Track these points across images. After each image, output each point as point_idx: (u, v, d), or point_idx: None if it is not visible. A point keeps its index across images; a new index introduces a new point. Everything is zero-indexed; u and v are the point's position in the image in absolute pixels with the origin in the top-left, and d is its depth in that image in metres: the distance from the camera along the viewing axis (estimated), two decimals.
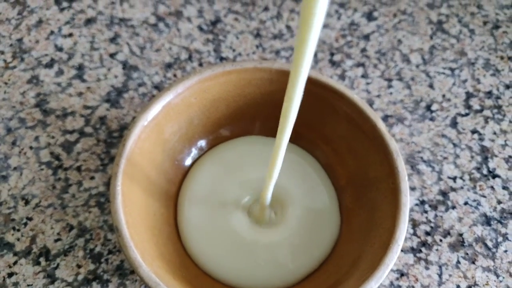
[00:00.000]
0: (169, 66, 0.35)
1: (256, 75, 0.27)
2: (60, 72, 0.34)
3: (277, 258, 0.26)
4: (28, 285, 0.27)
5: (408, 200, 0.23)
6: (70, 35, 0.36)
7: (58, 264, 0.27)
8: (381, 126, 0.26)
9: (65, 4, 0.37)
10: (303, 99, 0.28)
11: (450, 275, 0.28)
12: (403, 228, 0.23)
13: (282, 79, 0.27)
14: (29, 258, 0.28)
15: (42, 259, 0.28)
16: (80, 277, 0.27)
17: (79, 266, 0.27)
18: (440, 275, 0.28)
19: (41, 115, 0.32)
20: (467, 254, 0.29)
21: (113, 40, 0.36)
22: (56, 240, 0.28)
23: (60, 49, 0.35)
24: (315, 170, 0.29)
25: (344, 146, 0.28)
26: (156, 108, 0.25)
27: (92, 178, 0.30)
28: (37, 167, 0.30)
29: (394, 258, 0.22)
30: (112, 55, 0.35)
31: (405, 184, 0.24)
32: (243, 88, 0.28)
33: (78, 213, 0.29)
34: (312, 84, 0.27)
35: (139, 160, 0.25)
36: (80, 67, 0.35)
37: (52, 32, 0.36)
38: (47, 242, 0.28)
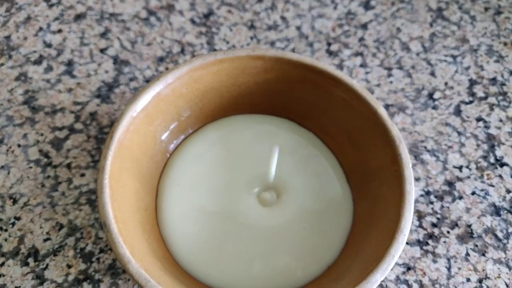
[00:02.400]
0: (161, 59, 0.34)
1: (250, 64, 0.26)
2: (49, 69, 0.33)
3: (279, 264, 0.25)
4: (16, 287, 0.25)
5: (413, 188, 0.22)
6: (59, 31, 0.35)
7: (47, 265, 0.26)
8: (382, 112, 0.24)
9: (54, 0, 0.36)
10: (299, 87, 0.27)
11: (459, 268, 0.27)
12: (409, 217, 0.21)
13: (277, 67, 0.26)
14: (17, 259, 0.26)
15: (30, 260, 0.26)
16: (70, 278, 0.26)
17: (69, 266, 0.26)
18: (449, 268, 0.27)
19: (29, 112, 0.31)
20: (476, 246, 0.28)
21: (103, 35, 0.35)
22: (45, 240, 0.27)
23: (49, 45, 0.34)
24: (324, 155, 0.28)
25: (343, 135, 0.27)
26: (145, 99, 0.24)
27: (82, 175, 0.29)
28: (25, 165, 0.29)
29: (400, 248, 0.21)
30: (102, 50, 0.34)
31: (409, 171, 0.23)
32: (237, 77, 0.27)
33: (68, 212, 0.28)
34: (308, 71, 0.26)
35: (129, 153, 0.24)
36: (70, 63, 0.33)
37: (40, 29, 0.35)
38: (36, 242, 0.27)
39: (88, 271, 0.26)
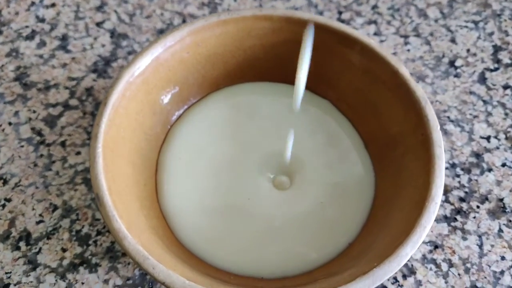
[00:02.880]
0: (161, 32, 0.32)
1: (256, 25, 0.24)
2: (42, 44, 0.31)
3: (294, 244, 0.22)
4: (6, 273, 0.23)
5: (442, 153, 0.20)
6: (53, 5, 0.33)
7: (40, 249, 0.24)
8: (404, 71, 0.22)
9: None
10: (312, 53, 0.25)
11: (492, 246, 0.24)
12: (440, 184, 0.19)
13: (286, 27, 0.24)
14: (7, 243, 0.24)
15: (22, 244, 0.24)
16: (65, 262, 0.24)
17: (64, 250, 0.24)
18: (480, 246, 0.24)
19: (21, 89, 0.29)
20: (510, 221, 0.25)
21: (99, 8, 0.33)
22: (38, 222, 0.25)
23: (42, 20, 0.32)
24: (341, 125, 0.25)
25: (361, 102, 0.24)
26: (142, 63, 0.22)
27: (78, 153, 0.27)
28: (16, 144, 0.27)
29: (432, 218, 0.18)
30: (98, 24, 0.32)
31: (437, 134, 0.20)
32: (242, 40, 0.24)
33: (62, 192, 0.26)
34: (320, 31, 0.23)
35: (125, 122, 0.21)
36: (64, 38, 0.31)
37: (33, 3, 0.33)
38: (28, 224, 0.25)
39: (85, 255, 0.24)
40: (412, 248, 0.18)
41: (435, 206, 0.18)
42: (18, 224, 0.25)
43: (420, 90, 0.21)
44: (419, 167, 0.20)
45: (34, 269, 0.24)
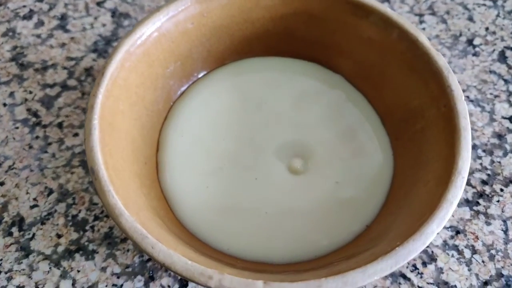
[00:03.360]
0: None
1: None
2: (40, 23, 0.30)
3: (306, 228, 0.20)
4: None
5: (468, 124, 0.18)
6: None
7: (33, 234, 0.23)
8: (424, 40, 0.20)
9: None
10: (323, 24, 0.23)
11: None
12: (466, 157, 0.17)
13: None
14: None
15: (14, 229, 0.23)
16: (60, 249, 0.22)
17: (59, 236, 0.22)
18: (505, 232, 0.23)
19: (17, 69, 0.28)
20: None
21: None
22: (32, 207, 0.23)
23: None
24: (356, 101, 0.24)
25: (376, 75, 0.23)
26: (143, 31, 0.20)
27: (75, 135, 0.25)
28: (11, 125, 0.26)
29: (459, 193, 0.17)
30: (99, 3, 0.31)
31: (462, 104, 0.18)
32: (250, 12, 0.23)
33: (58, 175, 0.24)
34: (334, 1, 0.22)
35: (124, 94, 0.20)
36: (63, 17, 0.30)
37: None
38: (21, 209, 0.23)
39: (81, 241, 0.22)
40: (439, 225, 0.16)
41: (462, 181, 0.17)
42: (11, 209, 0.23)
43: (442, 59, 0.20)
44: (442, 141, 0.19)
45: (26, 256, 0.22)
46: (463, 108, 0.18)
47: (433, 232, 0.16)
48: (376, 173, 0.21)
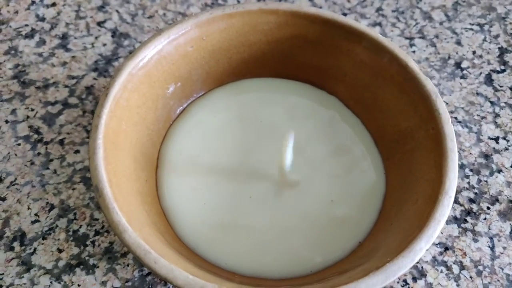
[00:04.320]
0: None
1: (262, 19, 0.23)
2: (41, 42, 0.30)
3: (300, 245, 0.21)
4: None
5: (455, 146, 0.19)
6: (53, 4, 0.32)
7: (35, 249, 0.23)
8: (413, 65, 0.21)
9: None
10: (316, 47, 0.25)
11: (504, 248, 0.24)
12: (453, 177, 0.18)
13: (292, 22, 0.24)
14: (0, 243, 0.23)
15: (16, 244, 0.23)
16: (61, 263, 0.23)
17: (60, 251, 0.23)
18: (492, 248, 0.24)
19: (19, 87, 0.28)
20: None
21: (101, 8, 0.32)
22: (33, 222, 0.24)
23: (42, 19, 0.32)
24: (349, 121, 0.24)
25: (369, 97, 0.24)
26: (145, 54, 0.21)
27: (76, 152, 0.26)
28: (13, 142, 0.26)
29: (446, 212, 0.17)
30: (100, 23, 0.32)
31: (449, 127, 0.20)
32: (247, 35, 0.24)
33: (60, 191, 0.25)
34: (327, 26, 0.23)
35: (126, 114, 0.21)
36: (64, 36, 0.31)
37: (33, 2, 0.32)
38: (23, 224, 0.24)
39: (82, 256, 0.23)
40: (427, 243, 0.17)
41: (449, 200, 0.18)
42: (12, 224, 0.24)
43: (430, 84, 0.21)
44: (431, 161, 0.20)
45: (28, 270, 0.22)
46: (450, 131, 0.19)
47: (422, 249, 0.17)
48: (369, 191, 0.22)
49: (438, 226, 0.17)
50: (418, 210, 0.18)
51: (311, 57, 0.25)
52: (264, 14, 0.23)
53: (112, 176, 0.18)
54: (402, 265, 0.16)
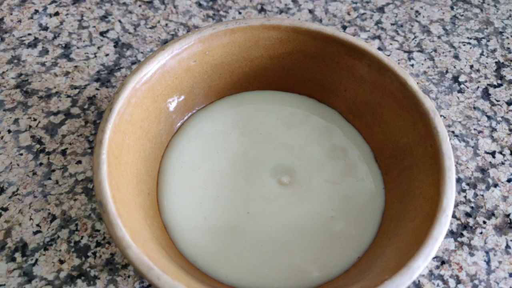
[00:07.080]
0: (165, 43, 0.32)
1: (264, 34, 0.24)
2: (44, 52, 0.31)
3: (300, 260, 0.22)
4: (0, 285, 0.22)
5: (453, 164, 0.19)
6: (56, 14, 0.33)
7: (36, 260, 0.23)
8: (412, 83, 0.22)
9: None
10: (317, 62, 0.25)
11: (500, 262, 0.24)
12: (451, 195, 0.19)
13: (293, 38, 0.24)
14: (2, 254, 0.23)
15: (17, 255, 0.23)
16: (62, 274, 0.23)
17: (61, 262, 0.23)
18: (488, 262, 0.24)
19: (21, 97, 0.29)
20: None
21: (103, 18, 0.33)
22: (35, 233, 0.24)
23: (45, 28, 0.32)
24: (349, 136, 0.25)
25: (368, 113, 0.24)
26: (148, 69, 0.22)
27: (78, 162, 0.26)
28: (15, 152, 0.27)
29: (443, 231, 0.18)
30: (102, 33, 0.32)
31: (447, 145, 0.20)
32: (249, 50, 0.24)
33: (61, 201, 0.25)
34: (328, 42, 0.23)
35: (130, 129, 0.21)
36: (67, 46, 0.31)
37: (36, 12, 0.33)
38: (24, 235, 0.24)
39: (83, 267, 0.23)
40: (424, 261, 0.17)
41: (446, 218, 0.18)
42: (14, 234, 0.24)
43: (429, 102, 0.21)
44: (429, 178, 0.20)
45: (29, 281, 0.23)
46: (448, 149, 0.20)
47: (419, 267, 0.17)
48: (368, 206, 0.22)
49: (436, 244, 0.17)
50: (416, 227, 0.19)
51: (312, 72, 0.25)
52: (266, 30, 0.24)
53: (115, 191, 0.18)
54: (400, 283, 0.17)
